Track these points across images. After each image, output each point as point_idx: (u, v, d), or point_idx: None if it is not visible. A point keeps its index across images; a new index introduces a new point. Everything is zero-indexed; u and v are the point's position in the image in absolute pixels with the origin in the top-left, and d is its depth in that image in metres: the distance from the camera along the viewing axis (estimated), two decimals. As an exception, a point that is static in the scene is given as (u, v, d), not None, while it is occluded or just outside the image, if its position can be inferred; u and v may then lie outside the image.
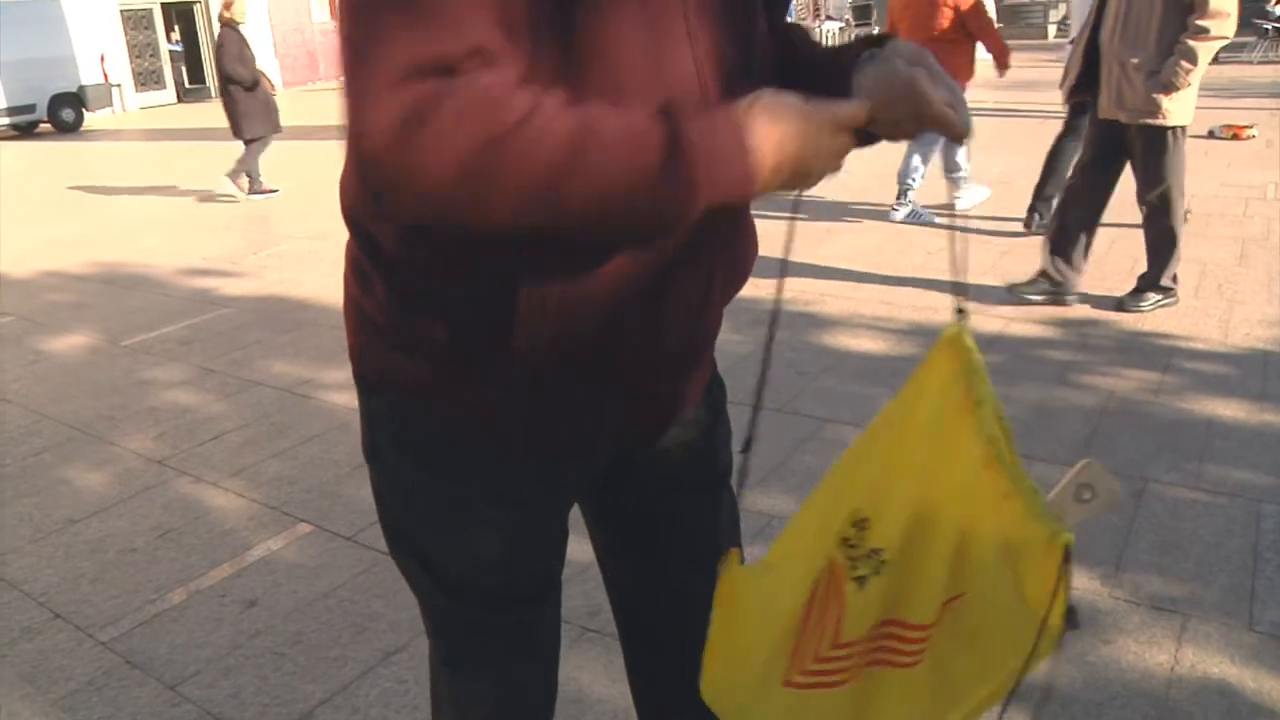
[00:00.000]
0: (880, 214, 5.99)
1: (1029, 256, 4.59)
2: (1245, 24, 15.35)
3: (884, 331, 3.97)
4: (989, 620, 0.90)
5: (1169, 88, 3.65)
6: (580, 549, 1.24)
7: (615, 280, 0.92)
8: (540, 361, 0.95)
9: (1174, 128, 3.77)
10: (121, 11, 20.01)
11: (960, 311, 0.91)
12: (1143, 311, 3.99)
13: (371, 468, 1.12)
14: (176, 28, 21.47)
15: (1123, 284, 4.21)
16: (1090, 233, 4.09)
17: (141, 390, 3.91)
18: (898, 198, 5.77)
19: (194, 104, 20.97)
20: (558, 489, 1.12)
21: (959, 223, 5.55)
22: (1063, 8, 20.56)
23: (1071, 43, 5.06)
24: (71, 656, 2.20)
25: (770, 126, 0.82)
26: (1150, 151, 3.84)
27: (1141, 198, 3.97)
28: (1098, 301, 4.17)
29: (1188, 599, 2.15)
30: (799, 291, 4.52)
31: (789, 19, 1.12)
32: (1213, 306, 4.02)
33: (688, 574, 1.17)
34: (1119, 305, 4.05)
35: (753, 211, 1.07)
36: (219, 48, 7.63)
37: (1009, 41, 5.68)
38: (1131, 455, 2.81)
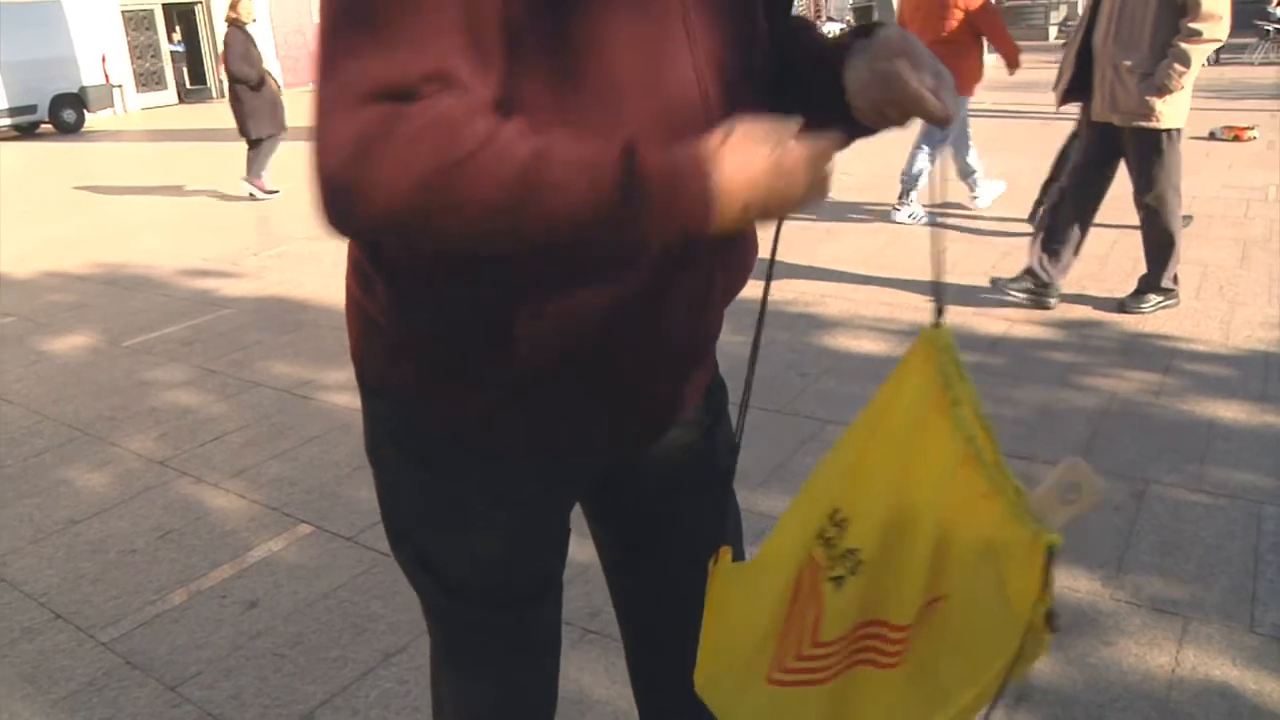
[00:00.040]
0: (881, 214, 5.99)
1: (1030, 258, 4.59)
2: (1246, 25, 15.37)
3: (885, 333, 3.97)
4: (973, 622, 0.90)
5: (1162, 90, 3.65)
6: (580, 549, 1.24)
7: (615, 281, 0.92)
8: (540, 362, 0.95)
9: (1168, 130, 3.76)
10: (123, 12, 20.03)
11: (939, 311, 0.91)
12: (1144, 313, 3.98)
13: (374, 468, 1.12)
14: (178, 28, 21.50)
15: (1124, 285, 4.21)
16: (1081, 234, 4.08)
17: (142, 391, 3.91)
18: (900, 198, 5.77)
19: (195, 105, 20.99)
20: (557, 489, 1.12)
21: (965, 223, 5.55)
22: (1064, 9, 20.58)
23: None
24: (72, 657, 2.20)
25: (738, 169, 0.79)
26: (1145, 154, 3.84)
27: (1138, 200, 3.97)
28: (1099, 303, 4.16)
29: (1189, 601, 2.15)
30: (799, 292, 4.52)
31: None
32: (1214, 308, 4.02)
33: (687, 574, 1.17)
34: (1120, 307, 4.05)
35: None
36: (225, 47, 7.63)
37: (1009, 43, 5.68)
38: (1133, 456, 2.81)
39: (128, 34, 20.24)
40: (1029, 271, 4.12)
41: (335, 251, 5.29)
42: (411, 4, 0.78)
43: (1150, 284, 4.02)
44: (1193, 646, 2.00)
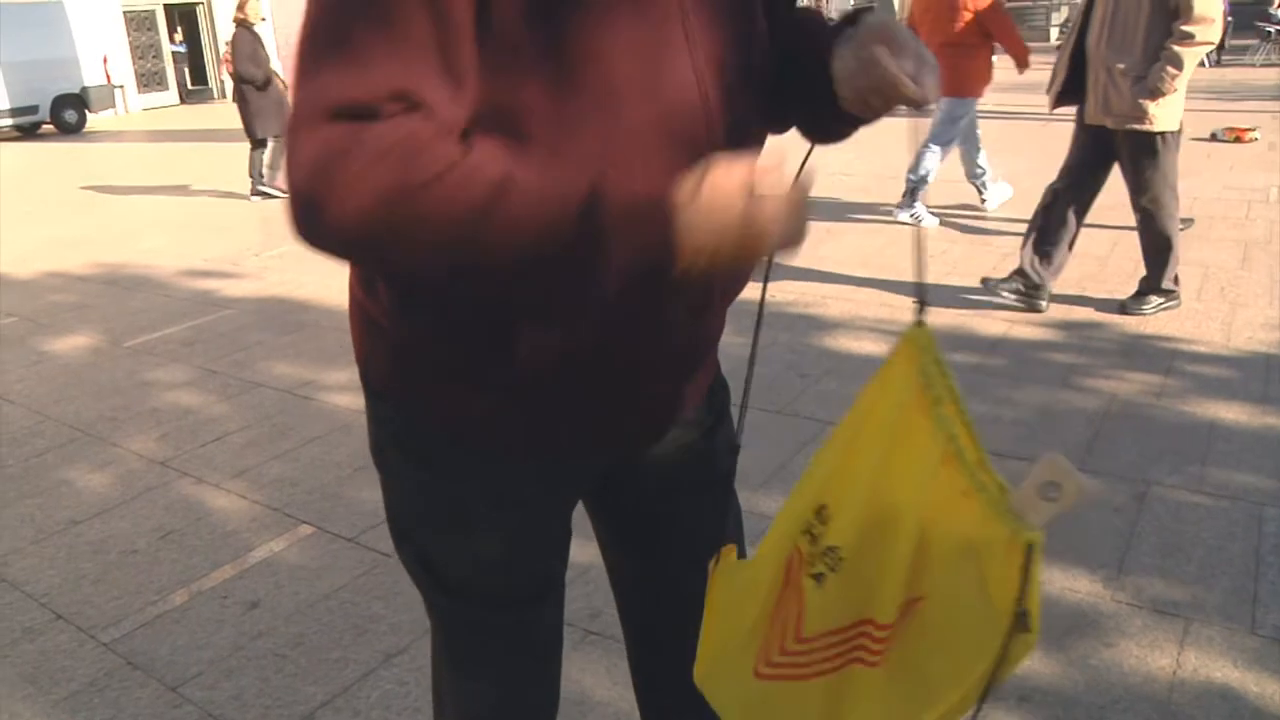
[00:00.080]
0: (882, 214, 5.99)
1: (1031, 259, 4.59)
2: (1248, 26, 15.35)
3: (886, 334, 3.97)
4: (956, 621, 0.90)
5: (1155, 93, 3.65)
6: (581, 550, 1.24)
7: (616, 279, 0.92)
8: (541, 363, 0.95)
9: (1161, 133, 3.76)
10: (124, 13, 20.06)
11: (920, 307, 0.92)
12: (1145, 314, 3.98)
13: (378, 469, 1.13)
14: (179, 29, 21.52)
15: (1125, 287, 4.21)
16: (1072, 236, 4.07)
17: (144, 391, 3.91)
18: (904, 196, 5.75)
19: (196, 105, 21.01)
20: (557, 489, 1.12)
21: (970, 225, 5.55)
22: (1065, 10, 20.58)
23: None
24: (73, 657, 2.20)
25: (707, 218, 0.78)
26: (1138, 157, 3.84)
27: (1135, 203, 3.96)
28: (1100, 304, 4.16)
29: (1190, 602, 2.15)
30: (800, 294, 4.52)
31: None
32: (1215, 309, 4.02)
33: (687, 575, 1.17)
34: (1121, 308, 4.05)
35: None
36: (232, 48, 7.65)
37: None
38: (1134, 458, 2.81)
39: (129, 34, 20.27)
40: (1019, 272, 4.12)
41: (336, 252, 5.29)
42: (379, 23, 0.78)
43: (1151, 285, 4.01)
44: (1194, 648, 2.00)
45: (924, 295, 0.93)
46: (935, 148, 5.61)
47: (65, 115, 16.97)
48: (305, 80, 0.80)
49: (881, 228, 5.76)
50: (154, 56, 20.98)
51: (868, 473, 0.93)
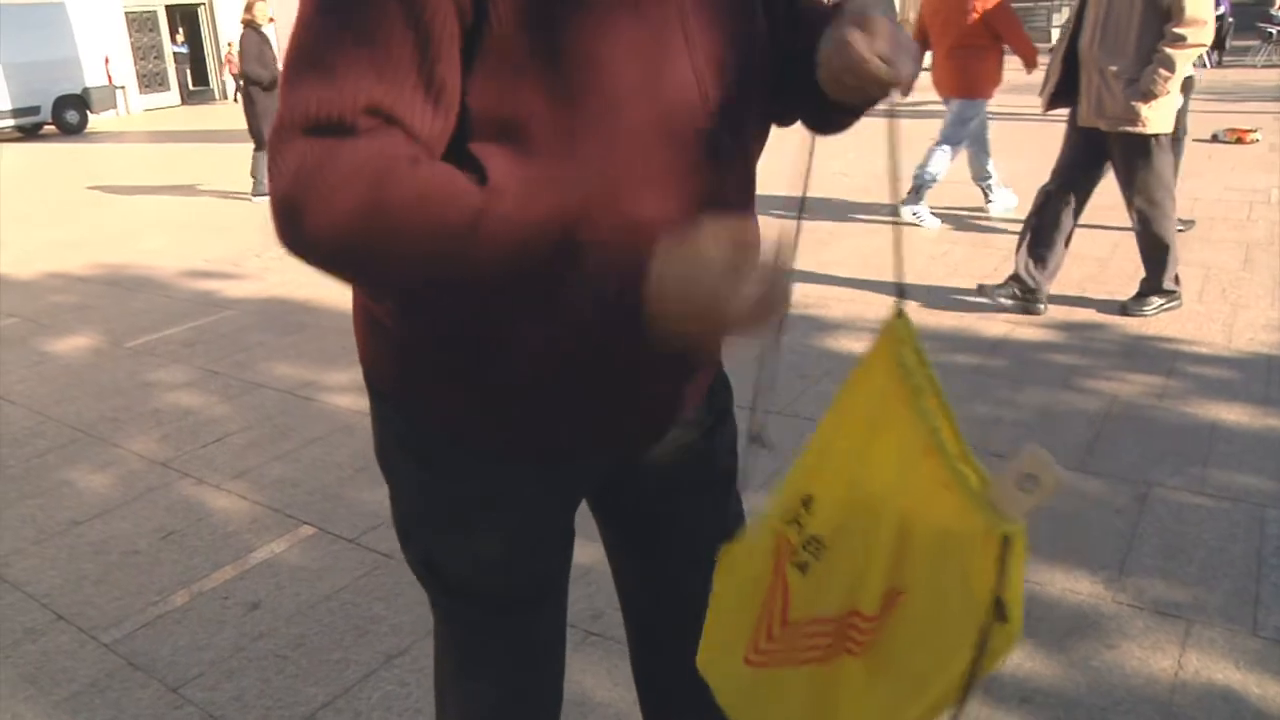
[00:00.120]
0: (883, 215, 5.99)
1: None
2: (1249, 27, 15.33)
3: (887, 335, 3.97)
4: (938, 614, 0.89)
5: (1147, 95, 3.65)
6: (583, 551, 1.24)
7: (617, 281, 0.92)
8: (540, 362, 0.95)
9: (1155, 135, 3.76)
10: (126, 14, 20.08)
11: (900, 296, 0.93)
12: (1146, 315, 3.98)
13: (382, 470, 1.13)
14: (181, 30, 21.54)
15: (1126, 288, 4.20)
16: (1067, 238, 4.07)
17: (145, 392, 3.91)
18: (909, 193, 5.74)
19: (198, 106, 21.03)
20: (558, 490, 1.12)
21: (973, 227, 5.54)
22: (1066, 10, 20.56)
23: None
24: (74, 658, 2.20)
25: (677, 300, 0.79)
26: (1132, 160, 3.84)
27: (1129, 205, 3.96)
28: (1101, 305, 4.16)
29: (1192, 604, 2.15)
30: (801, 295, 4.52)
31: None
32: (1216, 311, 4.02)
33: (687, 574, 1.17)
34: (1122, 309, 4.05)
35: (756, 212, 1.07)
36: (240, 49, 7.68)
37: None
38: (1135, 459, 2.81)
39: (131, 35, 20.29)
40: (1015, 278, 4.11)
41: (338, 253, 5.30)
42: (359, 38, 0.80)
43: (1151, 287, 4.01)
44: (1196, 650, 2.00)
45: (903, 288, 0.93)
46: (945, 148, 5.61)
47: (67, 116, 16.99)
48: (287, 92, 0.81)
49: (882, 228, 5.76)
50: (155, 57, 21.00)
51: (848, 464, 0.94)
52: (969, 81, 5.47)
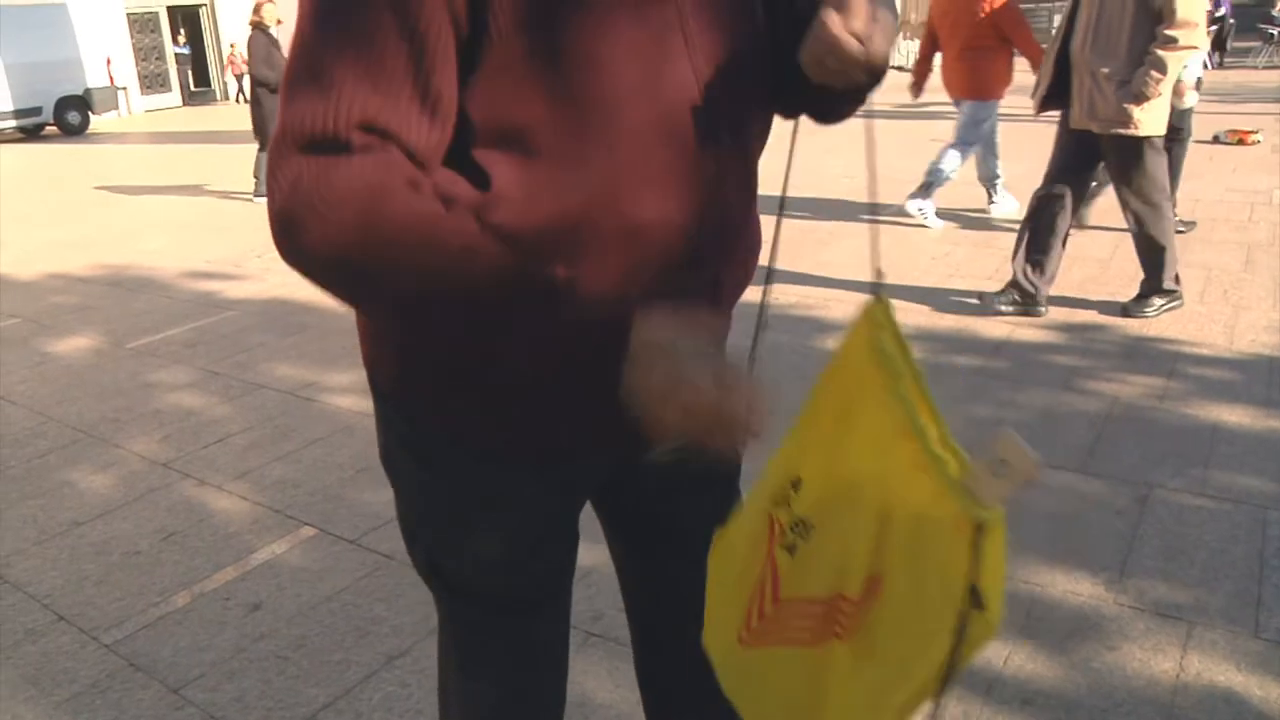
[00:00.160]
0: (884, 216, 5.98)
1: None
2: (1251, 29, 15.33)
3: (888, 336, 3.97)
4: (918, 599, 0.89)
5: (1139, 98, 3.65)
6: (584, 553, 1.23)
7: (619, 282, 0.92)
8: (540, 362, 0.95)
9: (1147, 137, 3.76)
10: (128, 15, 20.11)
11: (877, 282, 0.93)
12: (1148, 317, 3.98)
13: (387, 472, 1.13)
14: (183, 31, 21.56)
15: (1127, 289, 4.20)
16: (1063, 240, 4.06)
17: (146, 393, 3.91)
18: (920, 188, 5.74)
19: (199, 107, 21.05)
20: (557, 490, 1.12)
21: (975, 228, 5.54)
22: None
23: None
24: (75, 659, 2.20)
25: (643, 363, 0.84)
26: (1125, 162, 3.84)
27: (1124, 207, 3.96)
28: (1102, 307, 4.16)
29: (1193, 606, 2.15)
30: (802, 296, 4.52)
31: None
32: (1218, 312, 4.01)
33: (687, 575, 1.17)
34: (1124, 311, 4.04)
35: (757, 211, 1.08)
36: (248, 51, 7.70)
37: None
38: (1136, 461, 2.80)
39: (133, 36, 20.32)
40: (1014, 284, 4.11)
41: (339, 254, 5.30)
42: (354, 52, 0.79)
43: (1152, 287, 4.01)
44: (1197, 652, 2.00)
45: (880, 273, 0.93)
46: (960, 148, 5.62)
47: (68, 117, 17.01)
48: (285, 106, 0.81)
49: (883, 229, 5.76)
50: (157, 58, 21.02)
51: (830, 448, 0.94)
52: (979, 83, 5.47)
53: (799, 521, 0.96)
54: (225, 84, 22.02)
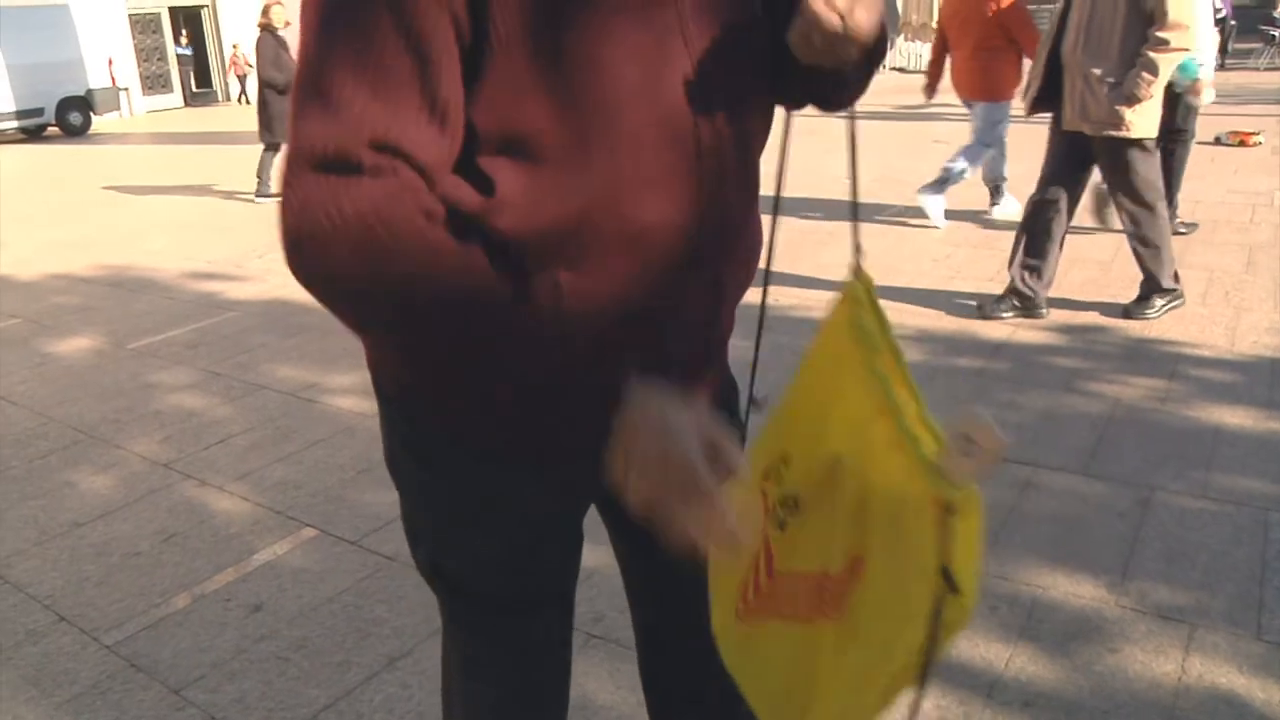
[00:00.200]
0: (883, 218, 5.99)
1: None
2: (1252, 30, 15.33)
3: (889, 337, 3.97)
4: (897, 579, 0.88)
5: (1131, 99, 3.64)
6: (586, 554, 1.23)
7: (622, 283, 0.92)
8: (543, 364, 0.95)
9: (1140, 139, 3.75)
10: (130, 16, 20.12)
11: (857, 256, 0.94)
12: (1149, 318, 3.97)
13: (391, 473, 1.13)
14: (185, 32, 21.58)
15: (1128, 291, 4.20)
16: (1059, 244, 4.06)
17: (147, 393, 3.92)
18: (934, 182, 5.73)
19: (201, 108, 21.07)
20: (558, 491, 1.12)
21: (976, 229, 5.53)
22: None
23: None
24: (76, 660, 2.20)
25: (630, 435, 0.84)
26: (1117, 164, 3.83)
27: (1119, 210, 3.96)
28: (1103, 308, 4.16)
29: (1195, 608, 2.14)
30: (802, 297, 4.52)
31: None
32: (1219, 314, 4.01)
33: (690, 576, 1.17)
34: (1125, 313, 4.04)
35: (758, 212, 1.08)
36: (256, 53, 7.72)
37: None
38: (1138, 463, 2.80)
39: (134, 37, 20.33)
40: (1012, 290, 4.10)
41: (340, 255, 5.31)
42: (359, 67, 0.79)
43: (1152, 288, 4.00)
44: (1199, 654, 1.99)
45: (860, 249, 0.93)
46: (979, 148, 5.64)
47: (70, 118, 17.03)
48: (294, 124, 0.81)
49: (883, 231, 5.76)
50: (159, 59, 21.04)
51: (813, 426, 0.94)
52: (990, 83, 5.48)
53: (788, 497, 0.97)
54: (227, 85, 22.04)
